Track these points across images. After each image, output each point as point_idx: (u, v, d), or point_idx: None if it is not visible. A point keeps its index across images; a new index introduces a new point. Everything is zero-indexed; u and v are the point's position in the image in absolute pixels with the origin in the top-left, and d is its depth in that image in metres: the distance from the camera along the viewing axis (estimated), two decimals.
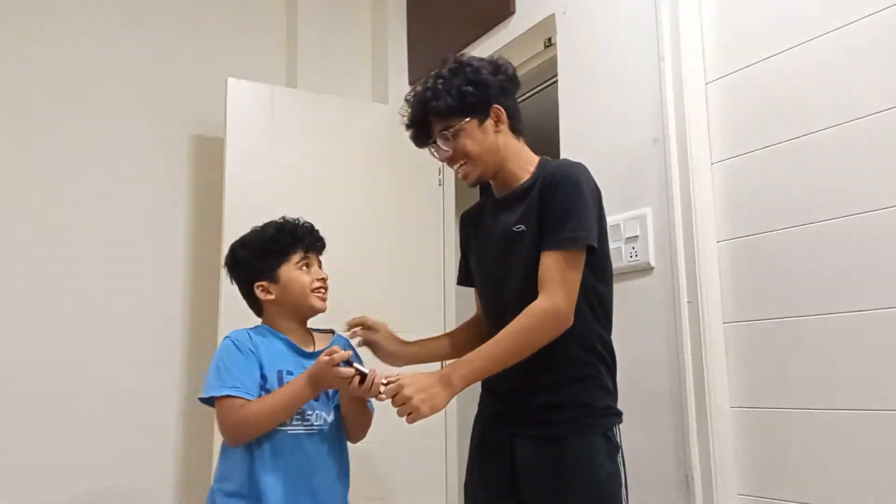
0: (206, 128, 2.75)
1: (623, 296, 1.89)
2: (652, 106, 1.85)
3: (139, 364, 2.56)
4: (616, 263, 1.89)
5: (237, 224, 2.47)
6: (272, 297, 1.64)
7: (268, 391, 1.55)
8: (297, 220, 1.71)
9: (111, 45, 2.67)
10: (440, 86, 1.55)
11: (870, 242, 1.47)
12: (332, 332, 1.74)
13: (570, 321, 1.45)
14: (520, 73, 2.50)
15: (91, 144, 2.59)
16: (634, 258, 1.86)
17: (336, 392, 1.62)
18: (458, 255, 1.82)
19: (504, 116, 1.58)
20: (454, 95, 1.54)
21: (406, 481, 2.59)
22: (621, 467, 1.51)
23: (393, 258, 2.73)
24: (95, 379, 2.48)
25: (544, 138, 2.52)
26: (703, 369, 1.68)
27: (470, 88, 1.54)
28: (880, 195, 1.46)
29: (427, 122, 1.60)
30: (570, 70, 2.16)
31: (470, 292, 1.81)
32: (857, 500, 1.46)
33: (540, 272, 1.46)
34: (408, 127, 1.64)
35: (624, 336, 1.87)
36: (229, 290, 2.39)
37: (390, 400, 1.40)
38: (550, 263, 1.45)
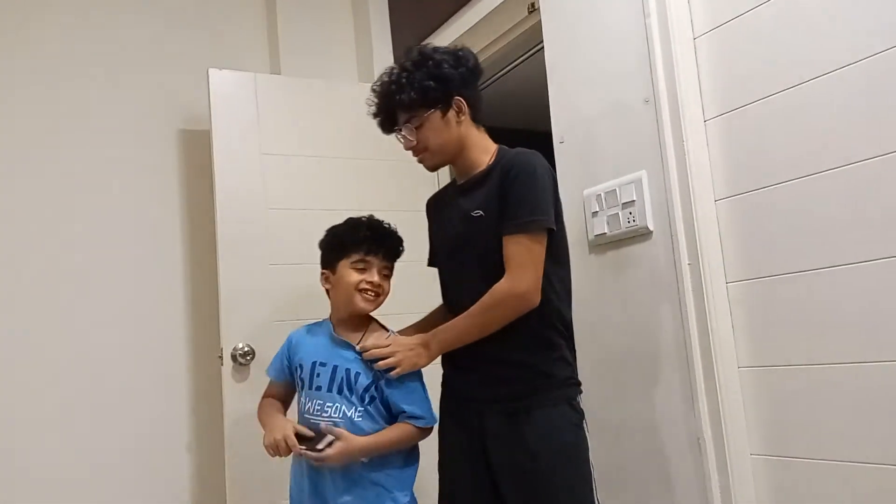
0: (193, 122, 2.71)
1: (623, 262, 1.87)
2: (641, 65, 1.80)
3: (140, 361, 2.54)
4: (614, 230, 1.87)
5: (230, 216, 2.47)
6: (329, 286, 1.79)
7: (302, 380, 1.74)
8: (375, 222, 1.79)
9: (92, 44, 2.63)
10: (404, 79, 1.62)
11: (873, 190, 1.43)
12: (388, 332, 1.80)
13: (536, 300, 1.53)
14: (505, 41, 2.49)
15: (78, 147, 2.56)
16: (633, 223, 1.82)
17: (365, 388, 1.68)
18: None
19: (465, 107, 1.65)
20: (417, 89, 1.61)
21: None
22: (586, 434, 1.58)
23: None
24: (93, 380, 2.46)
25: (535, 106, 2.47)
26: (708, 331, 1.65)
27: (431, 83, 1.60)
28: (882, 140, 1.42)
29: (393, 112, 1.68)
30: (556, 34, 2.11)
31: None
32: (870, 454, 1.43)
33: (505, 255, 1.54)
34: (374, 116, 1.73)
35: (627, 302, 1.85)
36: (228, 281, 2.41)
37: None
38: (513, 246, 1.54)
